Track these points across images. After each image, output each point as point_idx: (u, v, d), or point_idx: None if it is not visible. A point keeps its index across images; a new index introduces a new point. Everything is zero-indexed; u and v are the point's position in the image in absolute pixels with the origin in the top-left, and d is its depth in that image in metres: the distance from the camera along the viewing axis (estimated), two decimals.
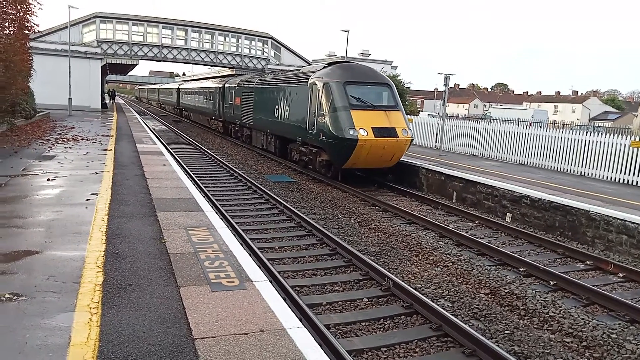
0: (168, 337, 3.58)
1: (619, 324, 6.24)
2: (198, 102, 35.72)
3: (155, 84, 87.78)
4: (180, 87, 46.21)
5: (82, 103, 33.29)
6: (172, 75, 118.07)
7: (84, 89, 33.22)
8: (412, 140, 14.33)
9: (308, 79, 15.53)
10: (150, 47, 37.13)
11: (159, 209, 7.35)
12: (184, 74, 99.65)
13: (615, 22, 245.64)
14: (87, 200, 7.66)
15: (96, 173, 10.08)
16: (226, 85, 27.39)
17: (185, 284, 4.56)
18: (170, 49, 37.84)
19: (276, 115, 18.43)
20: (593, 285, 7.28)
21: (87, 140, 16.27)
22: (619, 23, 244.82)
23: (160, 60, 39.33)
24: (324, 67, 15.49)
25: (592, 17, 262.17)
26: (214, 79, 37.55)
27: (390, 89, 14.77)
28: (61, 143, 15.02)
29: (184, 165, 15.95)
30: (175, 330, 3.69)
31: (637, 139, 14.04)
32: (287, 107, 17.29)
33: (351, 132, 13.23)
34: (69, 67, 29.69)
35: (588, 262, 8.60)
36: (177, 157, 17.37)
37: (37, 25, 17.15)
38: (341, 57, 41.72)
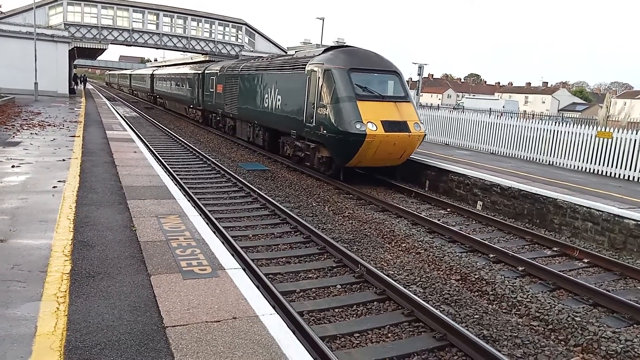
0: (138, 325, 3.53)
1: (583, 307, 6.46)
2: (174, 89, 33.71)
3: (125, 69, 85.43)
4: (154, 72, 43.51)
5: (49, 88, 32.23)
6: (143, 61, 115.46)
7: (50, 73, 32.12)
8: (425, 135, 13.02)
9: (305, 65, 13.91)
10: (120, 31, 36.14)
11: (129, 196, 7.21)
12: (155, 60, 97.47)
13: (584, 18, 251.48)
14: (54, 187, 7.44)
15: (63, 160, 9.81)
16: (206, 71, 25.48)
17: (156, 272, 4.50)
18: (141, 34, 36.92)
19: (266, 105, 16.72)
20: (559, 271, 7.50)
21: (54, 126, 15.79)
22: (588, 19, 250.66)
23: (130, 45, 38.35)
24: (324, 51, 13.86)
25: (563, 12, 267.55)
26: (192, 65, 35.64)
27: (399, 77, 13.29)
28: (27, 129, 14.54)
29: (156, 153, 15.66)
30: (145, 318, 3.64)
31: (603, 129, 14.46)
32: (279, 97, 15.60)
33: (358, 126, 11.74)
34: (35, 50, 28.65)
35: (555, 249, 8.85)
36: (148, 144, 17.03)
37: (0, 5, 16.45)
38: (316, 45, 41.48)
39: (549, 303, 6.42)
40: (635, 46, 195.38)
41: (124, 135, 15.08)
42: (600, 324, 5.94)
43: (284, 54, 20.72)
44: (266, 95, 16.69)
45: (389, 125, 12.08)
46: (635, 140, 13.15)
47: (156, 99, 43.23)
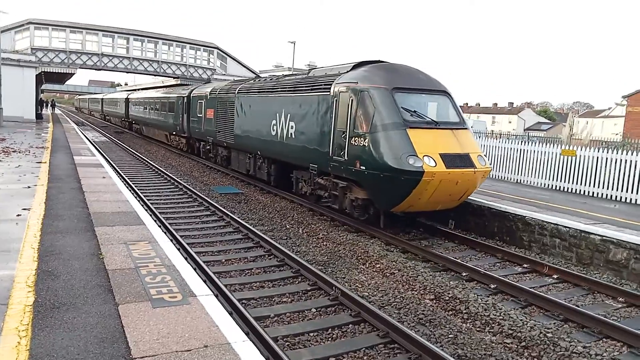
0: (105, 357, 3.41)
1: (554, 323, 6.56)
2: (153, 115, 30.58)
3: (96, 93, 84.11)
4: (129, 96, 40.05)
5: (14, 113, 31.46)
6: (113, 85, 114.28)
7: (16, 98, 31.36)
8: (490, 170, 10.85)
9: (329, 85, 11.50)
10: (90, 56, 35.72)
11: (97, 223, 7.03)
12: (126, 84, 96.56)
13: (545, 40, 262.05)
14: (18, 215, 7.20)
15: (29, 187, 9.52)
16: (193, 94, 22.73)
17: (124, 301, 4.37)
18: (110, 58, 36.55)
19: (273, 133, 14.07)
20: (530, 287, 7.62)
21: (19, 152, 15.36)
22: (549, 41, 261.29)
23: (100, 69, 37.89)
24: (353, 68, 11.42)
25: (524, 34, 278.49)
26: (174, 87, 33.44)
27: (450, 98, 11.02)
28: None
29: (126, 178, 15.39)
30: (112, 350, 3.52)
31: (567, 147, 14.94)
32: (292, 124, 13.09)
33: (411, 161, 9.28)
34: (0, 75, 28.03)
35: (525, 265, 9.01)
36: (118, 169, 16.74)
37: None
38: (288, 68, 41.90)
39: (521, 320, 6.50)
40: (594, 67, 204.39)
41: (92, 161, 14.78)
42: (571, 339, 6.03)
43: (298, 73, 17.28)
44: (273, 122, 14.12)
45: (450, 160, 9.68)
46: (598, 157, 13.62)
47: (132, 125, 40.34)
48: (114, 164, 17.89)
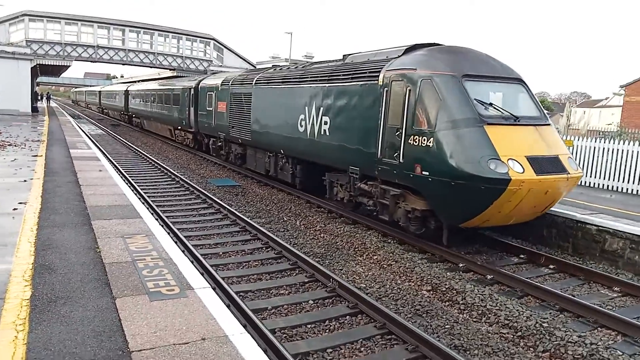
0: (102, 351, 3.42)
1: (550, 313, 6.60)
2: (155, 108, 28.70)
3: (92, 85, 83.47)
4: (129, 88, 38.00)
5: (9, 107, 31.28)
6: (109, 77, 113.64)
7: (11, 91, 31.18)
8: (581, 176, 9.02)
9: (377, 72, 9.63)
10: (85, 48, 35.45)
11: (94, 217, 7.02)
12: (122, 76, 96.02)
13: (542, 31, 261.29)
14: (15, 209, 7.19)
15: (25, 181, 9.50)
16: (201, 85, 20.82)
17: (121, 294, 4.38)
18: (106, 50, 36.30)
19: (301, 129, 12.24)
20: (527, 278, 7.66)
21: (15, 145, 15.30)
22: (546, 32, 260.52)
23: (95, 62, 37.62)
24: (405, 52, 9.57)
25: (521, 25, 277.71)
26: (179, 78, 31.68)
27: (527, 88, 9.17)
28: None
29: (122, 171, 15.35)
30: (110, 343, 3.53)
31: (564, 137, 14.95)
32: (326, 119, 11.24)
33: (492, 165, 7.56)
34: None
35: (522, 256, 9.04)
36: (114, 162, 16.70)
37: None
38: (285, 59, 41.67)
39: (517, 310, 6.54)
40: (592, 57, 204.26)
41: (88, 154, 14.75)
42: (566, 329, 6.08)
43: (330, 59, 13.84)
44: (301, 116, 12.30)
45: (539, 164, 7.90)
46: (595, 147, 13.64)
47: (132, 119, 38.65)
48: (110, 157, 17.85)
